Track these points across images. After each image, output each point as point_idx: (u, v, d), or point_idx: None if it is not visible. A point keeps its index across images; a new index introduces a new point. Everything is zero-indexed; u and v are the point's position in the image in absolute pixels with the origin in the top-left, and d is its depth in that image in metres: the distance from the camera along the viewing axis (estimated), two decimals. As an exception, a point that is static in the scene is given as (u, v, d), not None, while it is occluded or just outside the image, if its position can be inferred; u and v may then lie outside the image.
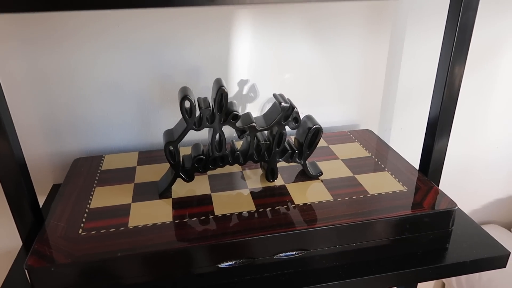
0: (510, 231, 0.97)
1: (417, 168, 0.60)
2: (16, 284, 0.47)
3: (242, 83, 0.69)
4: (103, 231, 0.46)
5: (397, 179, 0.56)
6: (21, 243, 0.51)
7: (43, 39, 0.60)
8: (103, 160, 0.63)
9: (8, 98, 0.46)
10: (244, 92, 0.69)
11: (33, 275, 0.42)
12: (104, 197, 0.53)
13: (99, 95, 0.65)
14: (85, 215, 0.49)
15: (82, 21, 0.60)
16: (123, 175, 0.58)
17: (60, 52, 0.61)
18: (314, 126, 0.53)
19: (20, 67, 0.60)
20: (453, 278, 0.93)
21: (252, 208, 0.50)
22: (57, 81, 0.63)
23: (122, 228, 0.47)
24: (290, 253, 0.47)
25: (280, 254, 0.47)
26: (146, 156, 0.64)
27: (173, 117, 0.66)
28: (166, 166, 0.57)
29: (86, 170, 0.60)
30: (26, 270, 0.41)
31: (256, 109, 0.71)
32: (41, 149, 0.67)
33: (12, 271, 0.49)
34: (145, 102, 0.67)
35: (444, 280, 1.00)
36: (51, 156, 0.67)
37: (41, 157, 0.67)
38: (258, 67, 0.68)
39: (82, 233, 0.46)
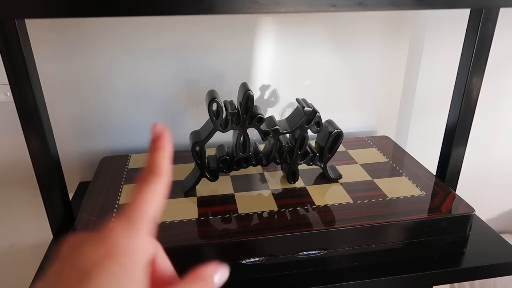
0: (525, 241, 0.97)
1: (434, 174, 0.62)
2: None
3: (264, 88, 0.71)
4: (132, 225, 0.48)
5: (414, 184, 0.58)
6: (48, 238, 0.54)
7: (76, 43, 0.63)
8: (129, 159, 0.65)
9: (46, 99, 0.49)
10: (266, 96, 0.71)
11: (68, 264, 0.44)
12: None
13: (126, 98, 0.68)
14: (115, 210, 0.52)
15: (112, 27, 0.62)
16: (149, 174, 0.60)
17: (91, 56, 0.64)
18: (335, 131, 0.55)
19: (54, 70, 0.64)
20: (468, 285, 0.93)
21: (274, 208, 0.52)
22: (87, 83, 0.66)
23: (150, 224, 0.49)
24: (311, 252, 0.49)
25: (301, 253, 0.49)
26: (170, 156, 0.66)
27: (197, 120, 0.68)
28: (190, 166, 0.59)
29: (113, 168, 0.62)
30: (62, 260, 0.43)
31: (276, 113, 0.73)
32: (71, 148, 0.69)
33: (44, 263, 0.52)
34: (170, 105, 0.69)
35: (457, 286, 1.00)
36: (79, 155, 0.70)
37: (71, 155, 0.70)
38: (280, 72, 0.70)
39: (113, 227, 0.48)
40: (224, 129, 0.52)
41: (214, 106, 0.50)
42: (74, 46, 0.63)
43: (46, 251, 0.54)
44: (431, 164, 0.66)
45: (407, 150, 0.72)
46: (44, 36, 0.61)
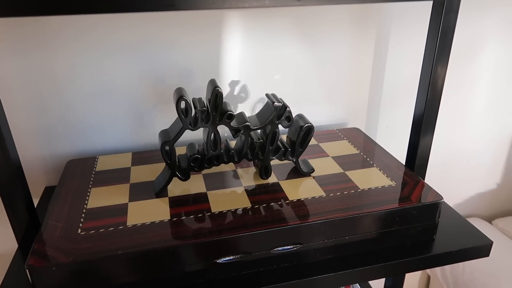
0: (491, 223, 1.01)
1: (404, 164, 0.63)
2: (15, 285, 0.47)
3: (233, 83, 0.70)
4: (102, 230, 0.47)
5: (385, 174, 0.59)
6: (13, 247, 0.51)
7: (34, 40, 0.60)
8: (96, 161, 0.63)
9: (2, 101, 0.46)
10: (235, 92, 0.71)
11: (34, 274, 0.42)
12: (100, 197, 0.54)
13: (91, 97, 0.65)
14: (83, 215, 0.50)
15: (71, 24, 0.60)
16: (118, 176, 0.59)
17: (51, 54, 0.61)
18: (306, 125, 0.55)
19: (10, 69, 0.60)
20: (438, 270, 0.96)
21: (248, 205, 0.52)
22: (48, 83, 0.63)
23: (120, 227, 0.47)
24: (286, 247, 0.49)
25: (276, 249, 0.48)
26: (140, 157, 0.64)
27: (165, 118, 0.67)
28: (160, 166, 0.58)
29: (80, 171, 0.60)
30: (27, 270, 0.42)
31: (247, 109, 0.72)
32: (34, 151, 0.66)
33: (10, 272, 0.49)
34: (137, 103, 0.67)
35: (429, 272, 1.03)
36: (43, 158, 0.67)
37: (34, 159, 0.67)
38: (249, 67, 0.70)
39: (81, 233, 0.47)
40: (194, 127, 0.51)
41: (183, 104, 0.49)
42: (31, 44, 0.60)
43: (11, 260, 0.52)
44: (400, 153, 0.67)
45: (377, 141, 0.73)
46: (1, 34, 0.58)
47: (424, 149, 0.63)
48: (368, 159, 0.63)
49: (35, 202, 0.61)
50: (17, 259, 0.51)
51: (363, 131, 0.76)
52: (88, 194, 0.54)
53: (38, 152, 0.67)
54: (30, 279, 0.42)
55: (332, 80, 0.75)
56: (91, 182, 0.57)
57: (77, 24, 0.60)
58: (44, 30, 0.59)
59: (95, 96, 0.65)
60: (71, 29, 0.60)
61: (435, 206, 0.52)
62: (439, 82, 0.59)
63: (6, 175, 0.47)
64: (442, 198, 0.53)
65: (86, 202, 0.53)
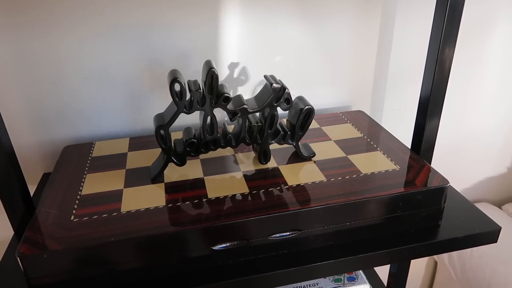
0: (500, 208, 0.99)
1: (409, 148, 0.61)
2: (8, 273, 0.46)
3: (233, 66, 0.68)
4: (95, 217, 0.46)
5: (389, 158, 0.56)
6: (11, 234, 0.51)
7: (27, 25, 0.58)
8: (93, 147, 0.62)
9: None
10: (235, 75, 0.68)
11: (25, 262, 0.41)
12: (95, 183, 0.52)
13: (87, 82, 0.64)
14: (77, 201, 0.49)
15: (67, 7, 0.58)
16: (114, 161, 0.58)
17: (45, 38, 0.59)
18: (306, 107, 0.53)
19: (3, 54, 0.59)
20: (445, 256, 0.94)
21: (246, 190, 0.50)
22: (43, 68, 0.61)
23: (114, 214, 0.46)
24: (284, 233, 0.47)
25: (275, 235, 0.47)
26: (137, 142, 0.63)
27: (163, 102, 0.65)
28: (157, 151, 0.56)
29: (76, 157, 0.59)
30: (18, 258, 0.41)
31: (247, 92, 0.70)
32: (30, 138, 0.65)
33: (4, 259, 0.49)
34: (134, 87, 0.66)
35: (436, 258, 1.01)
36: (40, 145, 0.66)
37: (31, 146, 0.66)
38: (248, 49, 0.67)
39: (74, 220, 0.45)
40: (189, 110, 0.49)
41: (177, 87, 0.48)
42: (25, 28, 0.58)
43: (6, 248, 0.51)
44: (407, 137, 0.65)
45: (382, 125, 0.70)
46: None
47: (431, 132, 0.60)
48: (372, 142, 0.61)
49: (33, 188, 0.61)
50: (12, 246, 0.51)
51: (368, 114, 0.73)
52: (83, 180, 0.53)
53: (35, 138, 0.66)
54: (21, 267, 0.41)
55: (335, 62, 0.72)
56: (86, 168, 0.56)
57: (73, 8, 0.58)
58: (40, 15, 0.58)
59: (92, 80, 0.64)
60: (67, 13, 0.58)
61: (441, 191, 0.50)
62: (447, 62, 0.56)
63: (-2, 162, 0.46)
64: (448, 182, 0.51)
65: (80, 188, 0.51)
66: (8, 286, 0.44)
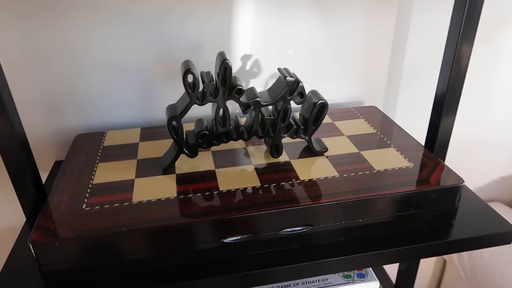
0: (512, 209, 0.97)
1: (423, 145, 0.60)
2: (20, 259, 0.47)
3: (245, 58, 0.67)
4: (107, 206, 0.46)
5: (403, 155, 0.56)
6: (24, 220, 0.51)
7: (40, 12, 0.58)
8: (105, 136, 0.62)
9: (7, 74, 0.45)
10: (247, 67, 0.68)
11: (37, 249, 0.41)
12: (107, 173, 0.52)
13: (99, 71, 0.64)
14: (89, 190, 0.49)
15: (81, -7, 0.58)
16: (126, 151, 0.58)
17: (58, 26, 0.59)
18: (320, 101, 0.52)
19: (16, 42, 0.59)
20: (455, 255, 0.94)
21: (257, 184, 0.50)
22: (56, 56, 0.61)
23: (126, 204, 0.46)
24: (295, 228, 0.47)
25: (285, 230, 0.47)
26: (149, 132, 0.63)
27: (175, 93, 0.64)
28: (169, 142, 0.56)
29: (88, 146, 0.59)
30: (30, 245, 0.41)
31: (259, 84, 0.70)
32: (42, 126, 0.66)
33: (17, 246, 0.49)
34: (146, 77, 0.65)
35: (445, 256, 1.00)
36: (52, 133, 0.67)
37: (43, 134, 0.66)
38: (261, 41, 0.67)
39: (86, 208, 0.46)
40: (202, 102, 0.49)
41: (190, 78, 0.47)
42: (37, 16, 0.58)
43: (18, 234, 0.51)
44: (420, 134, 0.64)
45: (395, 121, 0.69)
46: (1, 3, 0.56)
47: (445, 129, 0.59)
48: (385, 139, 0.60)
49: (45, 176, 0.61)
50: (24, 233, 0.51)
51: (381, 109, 0.72)
52: (95, 169, 0.53)
53: (47, 127, 0.66)
54: (33, 253, 0.42)
55: (349, 56, 0.71)
56: (98, 157, 0.56)
57: (84, -6, 0.58)
58: (53, 2, 0.57)
59: (104, 69, 0.64)
60: (79, 4, 0.58)
61: (455, 190, 0.50)
62: (464, 60, 0.55)
63: (11, 149, 0.46)
64: (463, 181, 0.50)
65: (92, 177, 0.52)
66: (20, 273, 0.45)
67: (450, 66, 0.55)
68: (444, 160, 0.61)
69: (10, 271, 0.45)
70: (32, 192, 0.49)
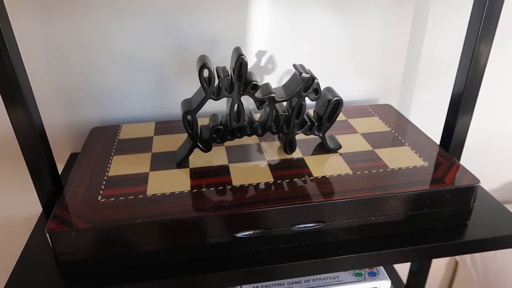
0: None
1: (438, 144, 0.59)
2: (37, 248, 0.48)
3: (260, 54, 0.67)
4: (121, 198, 0.47)
5: (417, 154, 0.55)
6: (40, 210, 0.52)
7: (58, 6, 0.59)
8: (120, 129, 0.63)
9: (26, 68, 0.46)
10: (262, 63, 0.68)
11: (54, 239, 0.42)
12: (122, 165, 0.53)
13: (115, 65, 0.64)
14: (104, 182, 0.50)
15: (99, -13, 0.58)
16: (141, 145, 0.58)
17: (76, 20, 0.60)
18: (335, 98, 0.52)
19: (35, 35, 0.60)
20: (468, 256, 0.92)
21: (270, 179, 0.50)
22: (73, 49, 0.62)
23: (140, 196, 0.47)
24: (308, 225, 0.47)
25: (298, 226, 0.47)
26: (163, 126, 0.63)
27: (190, 87, 0.65)
28: (183, 136, 0.57)
29: (103, 139, 0.60)
30: (47, 234, 0.42)
31: (274, 81, 0.69)
32: (59, 118, 0.67)
33: (33, 235, 0.50)
34: (162, 71, 0.66)
35: (457, 257, 0.99)
36: (68, 125, 0.68)
37: (59, 126, 0.67)
38: (277, 37, 0.66)
39: (101, 200, 0.46)
40: (217, 97, 0.49)
41: (206, 73, 0.47)
42: (56, 7, 0.59)
43: (35, 223, 0.53)
44: (435, 133, 0.63)
45: (410, 119, 0.69)
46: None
47: (461, 129, 0.58)
48: (399, 137, 0.60)
49: (60, 168, 0.62)
50: (41, 223, 0.52)
51: (396, 108, 0.72)
52: (110, 162, 0.54)
53: (63, 119, 0.67)
54: (50, 243, 0.43)
55: (364, 53, 0.71)
56: (113, 150, 0.57)
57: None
58: (69, -6, 0.58)
59: (120, 63, 0.64)
60: (96, -6, 0.59)
61: (471, 190, 0.49)
62: (482, 58, 0.54)
63: (30, 140, 0.47)
64: (479, 181, 0.49)
65: (107, 169, 0.52)
66: (37, 261, 0.46)
67: (468, 65, 0.54)
68: (459, 159, 0.60)
69: (27, 259, 0.46)
70: (49, 183, 0.50)
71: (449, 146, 0.59)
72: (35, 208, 0.72)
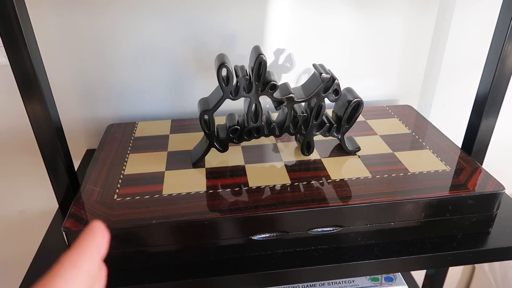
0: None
1: (460, 148, 0.57)
2: (53, 245, 0.48)
3: (278, 52, 0.66)
4: (137, 197, 0.46)
5: (439, 158, 0.54)
6: (56, 205, 0.52)
7: (77, 2, 0.58)
8: (136, 126, 0.63)
9: (45, 64, 0.46)
10: (280, 62, 0.67)
11: (70, 237, 0.42)
12: (138, 164, 0.53)
13: (133, 61, 0.64)
14: (120, 181, 0.49)
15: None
16: (157, 143, 0.58)
17: (95, 16, 0.60)
18: (355, 100, 0.51)
19: (53, 31, 0.60)
20: (486, 263, 0.90)
21: (287, 181, 0.49)
22: (91, 46, 0.62)
23: (156, 196, 0.46)
24: (325, 229, 0.46)
25: (315, 230, 0.46)
26: (179, 125, 0.63)
27: (207, 85, 0.64)
28: (198, 135, 0.56)
29: (119, 136, 0.60)
30: (64, 232, 0.42)
31: (292, 80, 0.68)
32: (75, 114, 0.67)
33: (49, 232, 0.50)
34: (179, 69, 0.65)
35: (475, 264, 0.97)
36: (85, 121, 0.68)
37: (76, 122, 0.67)
38: (296, 35, 0.65)
39: (117, 199, 0.46)
40: (235, 96, 0.48)
41: (224, 72, 0.47)
42: (75, 5, 0.59)
43: (52, 218, 0.53)
44: (456, 135, 0.62)
45: (430, 121, 0.67)
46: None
47: (485, 132, 0.57)
48: (420, 140, 0.58)
49: (77, 164, 0.62)
50: (57, 219, 0.52)
51: (416, 109, 0.70)
52: (126, 160, 0.54)
53: (80, 115, 0.67)
54: (66, 241, 0.42)
55: (385, 52, 0.69)
56: (129, 148, 0.57)
57: (120, -16, 0.58)
58: (88, -10, 0.58)
59: (137, 60, 0.64)
60: (114, -10, 0.58)
61: (495, 197, 0.47)
62: (510, 59, 0.52)
63: (47, 136, 0.47)
64: (504, 188, 0.47)
65: (123, 168, 0.52)
66: (53, 259, 0.45)
67: (494, 66, 0.52)
68: (482, 164, 0.58)
69: (43, 256, 0.46)
70: (65, 179, 0.50)
71: (471, 149, 0.57)
72: (50, 203, 0.72)
